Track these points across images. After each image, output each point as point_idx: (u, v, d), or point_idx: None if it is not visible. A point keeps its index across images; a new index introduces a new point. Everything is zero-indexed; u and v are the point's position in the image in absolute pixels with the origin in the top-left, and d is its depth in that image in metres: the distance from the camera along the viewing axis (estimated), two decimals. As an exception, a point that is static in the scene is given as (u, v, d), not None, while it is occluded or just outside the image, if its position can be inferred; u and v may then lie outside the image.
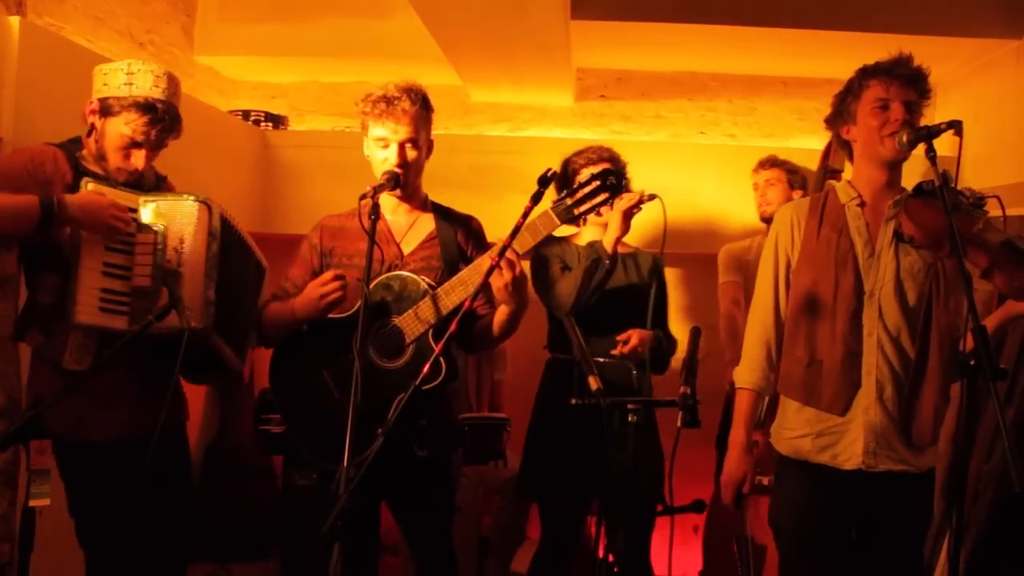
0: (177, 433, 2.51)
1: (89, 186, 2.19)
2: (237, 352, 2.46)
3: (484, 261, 2.19)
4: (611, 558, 2.59)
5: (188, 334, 2.07)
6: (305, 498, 3.91)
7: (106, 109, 2.28)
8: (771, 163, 3.76)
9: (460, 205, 2.67)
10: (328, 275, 2.36)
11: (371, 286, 2.32)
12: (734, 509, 2.33)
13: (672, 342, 3.04)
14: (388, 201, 2.49)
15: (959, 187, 2.19)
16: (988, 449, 2.99)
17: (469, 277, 2.25)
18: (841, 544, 2.28)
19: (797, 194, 3.69)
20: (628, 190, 2.78)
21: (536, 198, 2.00)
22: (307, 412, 2.44)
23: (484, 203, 4.48)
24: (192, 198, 2.30)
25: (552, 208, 2.19)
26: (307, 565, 3.91)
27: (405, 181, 2.41)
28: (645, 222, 2.98)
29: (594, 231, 2.97)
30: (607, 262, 2.77)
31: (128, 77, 2.28)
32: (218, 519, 4.00)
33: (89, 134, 2.33)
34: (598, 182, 2.13)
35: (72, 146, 2.33)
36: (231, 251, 2.40)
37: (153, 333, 2.11)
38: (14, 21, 2.68)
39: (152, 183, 2.43)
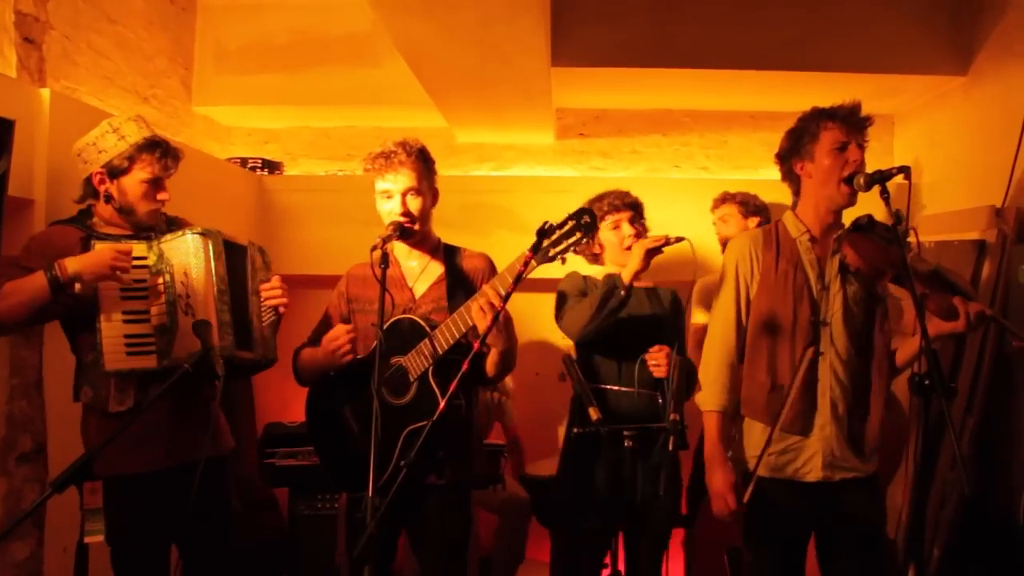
0: (219, 464, 2.64)
1: (96, 246, 2.40)
2: (263, 349, 2.63)
3: (472, 303, 2.33)
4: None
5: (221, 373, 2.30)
6: (311, 527, 4.09)
7: (114, 171, 2.46)
8: (723, 199, 4.00)
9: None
10: (338, 329, 2.56)
11: (384, 329, 2.49)
12: (734, 519, 2.47)
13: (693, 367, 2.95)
14: (401, 248, 2.67)
15: (888, 223, 2.41)
16: (953, 456, 3.20)
17: (460, 317, 2.39)
18: (806, 545, 2.52)
19: (753, 221, 3.90)
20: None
21: (536, 249, 2.13)
22: (333, 445, 2.65)
23: (472, 240, 4.60)
24: (191, 232, 2.49)
25: (530, 249, 2.21)
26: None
27: (411, 229, 2.58)
28: (669, 258, 3.08)
29: (615, 269, 3.08)
30: (623, 292, 2.87)
31: (116, 133, 2.47)
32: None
33: (107, 201, 2.50)
34: (573, 222, 2.16)
35: (82, 216, 2.52)
36: (237, 269, 2.60)
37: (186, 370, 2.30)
38: (45, 93, 2.87)
39: (164, 228, 2.61)
